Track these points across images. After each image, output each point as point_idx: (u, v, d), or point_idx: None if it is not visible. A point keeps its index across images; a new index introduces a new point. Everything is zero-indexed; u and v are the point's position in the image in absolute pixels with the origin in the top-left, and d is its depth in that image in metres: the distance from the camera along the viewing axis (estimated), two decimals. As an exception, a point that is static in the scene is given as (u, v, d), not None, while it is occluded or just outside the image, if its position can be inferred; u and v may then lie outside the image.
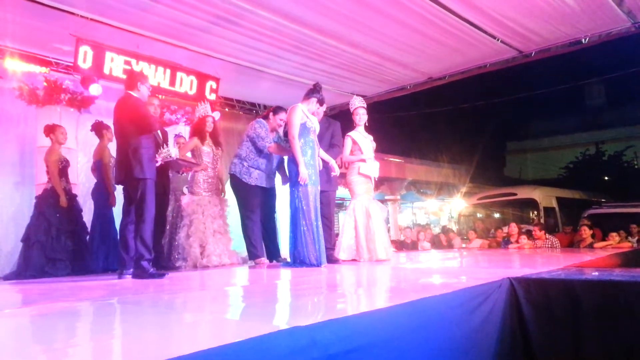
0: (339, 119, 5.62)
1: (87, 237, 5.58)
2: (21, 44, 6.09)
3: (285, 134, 4.74)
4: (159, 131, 5.01)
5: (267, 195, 5.40)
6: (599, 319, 2.58)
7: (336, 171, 5.00)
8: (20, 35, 5.84)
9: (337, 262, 4.86)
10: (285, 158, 5.00)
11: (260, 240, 5.42)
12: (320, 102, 4.73)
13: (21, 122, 6.32)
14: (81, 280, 4.40)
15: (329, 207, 5.17)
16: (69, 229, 5.34)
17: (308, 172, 4.45)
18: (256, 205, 5.29)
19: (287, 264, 4.64)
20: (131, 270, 4.11)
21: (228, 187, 5.90)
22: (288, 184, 4.72)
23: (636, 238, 8.54)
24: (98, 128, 5.77)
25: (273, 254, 5.50)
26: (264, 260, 5.41)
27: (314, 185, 4.53)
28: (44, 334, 1.92)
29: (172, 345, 1.62)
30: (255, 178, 5.26)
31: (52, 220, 5.23)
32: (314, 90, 4.72)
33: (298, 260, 4.44)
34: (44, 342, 1.74)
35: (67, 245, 5.25)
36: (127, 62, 6.13)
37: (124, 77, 5.42)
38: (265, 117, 5.51)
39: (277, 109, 5.48)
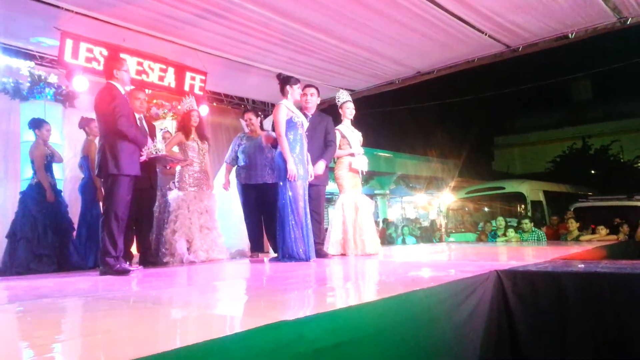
0: (328, 113, 5.62)
1: (74, 232, 5.53)
2: (5, 37, 5.99)
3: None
4: (145, 126, 4.98)
5: (263, 191, 5.44)
6: (584, 310, 2.61)
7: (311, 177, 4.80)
8: (3, 28, 5.74)
9: (326, 256, 4.86)
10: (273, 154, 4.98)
11: (253, 235, 5.75)
12: (295, 82, 4.73)
13: (5, 117, 6.22)
14: (67, 276, 4.36)
15: (319, 202, 5.15)
16: (55, 224, 5.28)
17: (297, 167, 4.45)
18: (247, 202, 5.72)
19: (275, 259, 4.64)
20: (117, 266, 4.07)
21: (216, 182, 5.90)
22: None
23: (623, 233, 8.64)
24: (83, 124, 5.70)
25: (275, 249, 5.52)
26: (252, 255, 5.54)
27: (303, 180, 4.53)
28: (29, 331, 1.90)
29: (158, 341, 1.61)
30: (244, 177, 5.68)
31: (38, 216, 5.17)
32: (283, 81, 4.71)
33: (287, 255, 4.43)
34: (28, 339, 1.72)
35: (53, 241, 5.19)
36: (113, 56, 6.05)
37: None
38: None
39: (243, 114, 6.12)
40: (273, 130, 4.81)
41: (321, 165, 4.92)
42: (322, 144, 5.08)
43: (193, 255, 5.13)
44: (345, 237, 5.14)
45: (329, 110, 6.12)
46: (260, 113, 6.67)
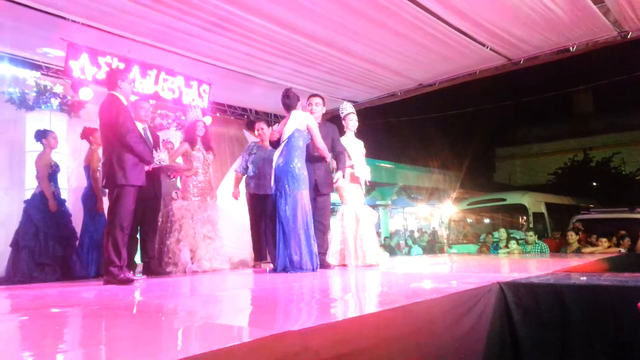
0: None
1: (77, 242, 5.54)
2: (11, 48, 6.05)
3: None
4: (149, 135, 5.01)
5: (272, 201, 5.41)
6: (586, 323, 2.61)
7: (337, 178, 4.98)
8: (10, 39, 5.80)
9: (329, 267, 4.86)
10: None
11: (257, 245, 5.75)
12: (297, 99, 4.78)
13: (10, 127, 6.26)
14: (70, 285, 4.36)
15: (325, 212, 5.15)
16: (58, 234, 5.28)
17: (301, 177, 4.48)
18: (254, 212, 5.73)
19: (279, 269, 4.63)
20: (121, 275, 4.08)
21: (220, 191, 5.91)
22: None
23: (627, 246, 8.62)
24: (86, 134, 5.73)
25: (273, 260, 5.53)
26: (254, 264, 5.63)
27: (307, 190, 4.57)
28: (33, 340, 1.91)
29: (162, 351, 1.62)
30: (253, 187, 5.70)
31: (40, 225, 5.18)
32: (297, 98, 4.74)
33: (291, 265, 4.43)
34: (33, 348, 1.73)
35: (55, 250, 5.19)
36: (118, 67, 6.11)
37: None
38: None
39: (255, 122, 6.33)
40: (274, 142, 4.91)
41: (341, 178, 4.96)
42: (336, 159, 5.11)
43: (196, 265, 5.14)
44: (345, 247, 5.15)
45: (332, 122, 6.15)
46: (271, 122, 6.76)
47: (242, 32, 5.95)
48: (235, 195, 5.83)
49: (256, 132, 5.98)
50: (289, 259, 4.41)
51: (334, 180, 4.95)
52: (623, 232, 8.97)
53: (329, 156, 4.78)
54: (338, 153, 5.11)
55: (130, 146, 4.09)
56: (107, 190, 4.40)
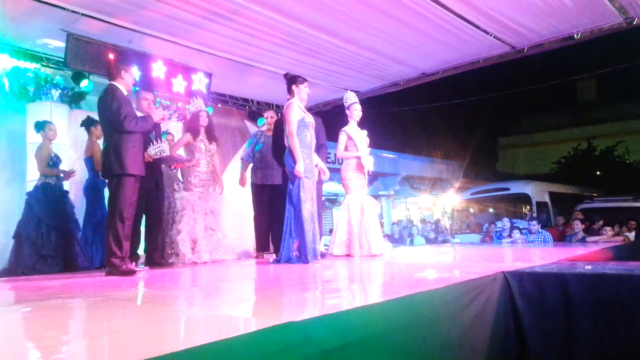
0: (332, 115, 5.63)
1: (80, 233, 5.54)
2: (12, 39, 6.02)
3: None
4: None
5: (278, 192, 5.40)
6: (592, 312, 2.59)
7: (327, 175, 4.99)
8: (10, 30, 5.77)
9: (323, 257, 4.85)
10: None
11: (259, 236, 5.76)
12: (302, 81, 4.70)
13: (11, 118, 6.25)
14: (73, 277, 4.37)
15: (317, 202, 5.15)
16: (60, 225, 5.27)
17: (306, 167, 4.46)
18: (258, 203, 5.75)
19: (281, 260, 4.63)
20: (124, 266, 4.08)
21: (226, 184, 5.87)
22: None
23: (633, 233, 8.59)
24: (88, 122, 5.71)
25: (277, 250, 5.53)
26: (256, 255, 5.66)
27: (313, 181, 4.54)
28: (37, 331, 1.90)
29: (166, 341, 1.61)
30: (259, 178, 5.74)
31: (41, 216, 5.17)
32: (290, 80, 4.69)
33: (292, 255, 4.43)
34: (36, 339, 1.73)
35: (57, 242, 5.19)
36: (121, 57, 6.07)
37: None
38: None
39: (257, 113, 6.39)
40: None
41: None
42: (317, 150, 5.09)
43: (196, 256, 5.13)
44: (351, 237, 5.14)
45: (335, 112, 6.12)
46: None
47: (243, 22, 5.90)
48: (242, 183, 5.82)
49: (265, 120, 6.02)
50: (293, 249, 4.41)
51: (325, 177, 4.90)
52: (634, 222, 8.91)
53: (295, 151, 4.44)
54: (319, 146, 5.09)
55: (130, 130, 4.08)
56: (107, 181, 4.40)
